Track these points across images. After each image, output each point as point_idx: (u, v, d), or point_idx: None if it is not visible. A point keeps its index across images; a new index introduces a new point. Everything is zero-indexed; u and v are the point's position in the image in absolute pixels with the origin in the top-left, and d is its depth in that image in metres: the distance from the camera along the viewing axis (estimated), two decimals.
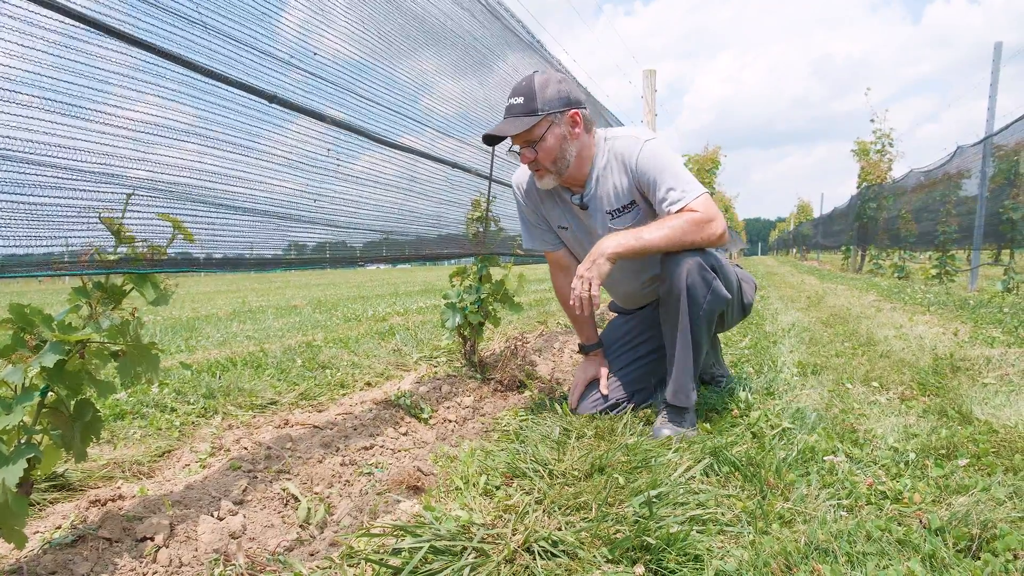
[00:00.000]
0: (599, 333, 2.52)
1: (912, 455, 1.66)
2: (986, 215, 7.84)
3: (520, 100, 2.03)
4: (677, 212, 1.99)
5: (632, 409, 2.28)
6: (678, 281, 1.98)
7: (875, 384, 2.60)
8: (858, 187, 15.11)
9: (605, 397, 2.31)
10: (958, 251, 9.34)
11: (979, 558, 1.13)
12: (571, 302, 2.01)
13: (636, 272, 2.32)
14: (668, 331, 2.07)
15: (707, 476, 1.62)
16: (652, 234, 1.98)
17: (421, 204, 2.60)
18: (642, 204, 2.14)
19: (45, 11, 1.12)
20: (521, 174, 2.35)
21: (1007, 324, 4.16)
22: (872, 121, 14.11)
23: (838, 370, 2.90)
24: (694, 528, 1.29)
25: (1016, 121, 7.18)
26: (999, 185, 7.71)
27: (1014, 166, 7.40)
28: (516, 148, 2.11)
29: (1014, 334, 3.72)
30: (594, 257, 1.99)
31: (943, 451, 1.71)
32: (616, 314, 2.65)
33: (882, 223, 13.22)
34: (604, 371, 2.37)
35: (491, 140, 2.10)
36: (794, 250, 38.87)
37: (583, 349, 2.48)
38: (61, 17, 1.15)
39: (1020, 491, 1.39)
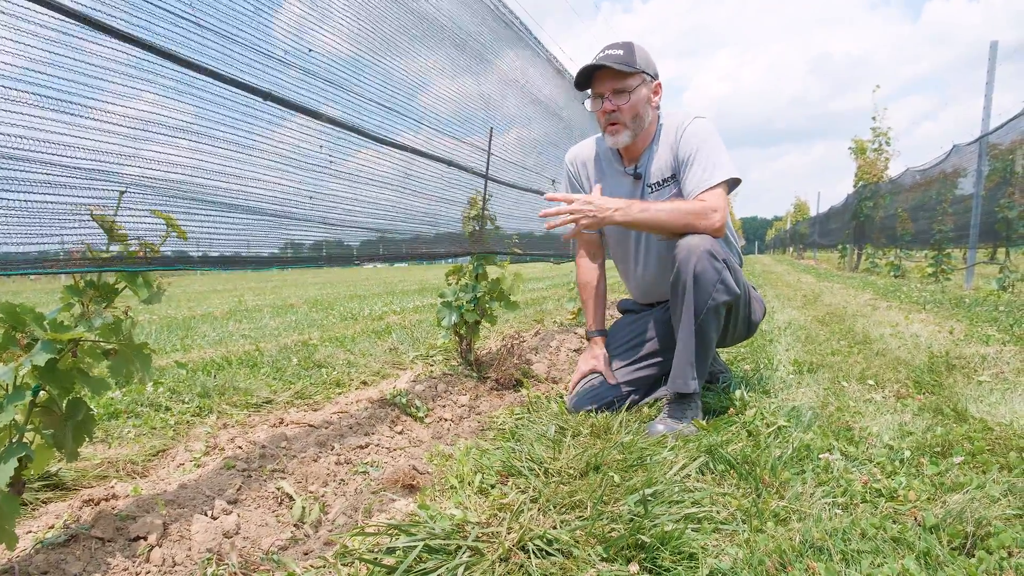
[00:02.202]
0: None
1: (907, 453, 1.66)
2: (982, 214, 7.85)
3: (620, 52, 2.13)
4: (694, 198, 2.09)
5: (629, 407, 2.28)
6: (687, 267, 2.01)
7: (871, 382, 2.60)
8: (855, 186, 15.14)
9: (602, 394, 2.31)
10: (954, 250, 9.36)
11: (973, 556, 1.13)
12: (550, 209, 2.11)
13: (661, 260, 2.33)
14: (675, 318, 2.11)
15: (702, 474, 1.62)
16: (658, 211, 2.07)
17: (417, 203, 2.59)
18: (680, 179, 2.22)
19: (38, 8, 1.11)
20: (575, 149, 2.50)
21: (1002, 322, 4.17)
22: (874, 119, 14.19)
23: (834, 368, 2.91)
24: (689, 526, 1.29)
25: (1011, 120, 7.19)
26: (995, 184, 7.73)
27: (1009, 165, 7.41)
28: (589, 103, 2.22)
29: (1009, 332, 3.72)
30: (602, 206, 2.06)
31: (938, 449, 1.71)
32: (624, 313, 2.66)
33: (879, 222, 13.25)
34: (605, 360, 2.40)
35: (583, 84, 2.20)
36: (791, 249, 38.92)
37: (588, 335, 2.55)
38: (55, 15, 1.14)
39: (1015, 489, 1.39)
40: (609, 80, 2.13)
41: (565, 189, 2.54)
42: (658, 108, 2.26)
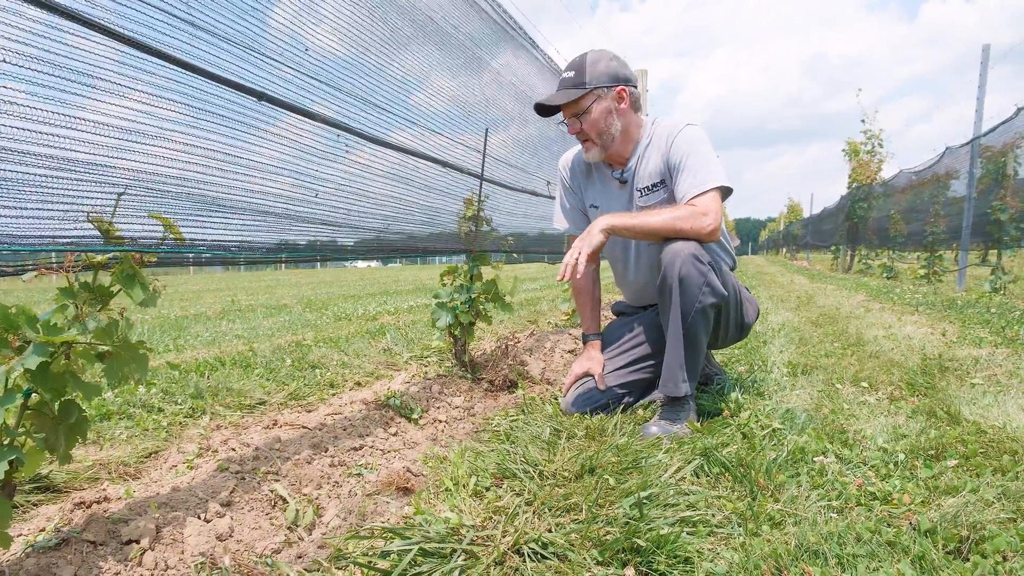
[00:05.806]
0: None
1: (901, 456, 1.67)
2: (974, 216, 7.90)
3: (571, 74, 2.15)
4: (686, 202, 2.09)
5: (623, 410, 2.28)
6: (672, 270, 2.01)
7: (864, 384, 2.61)
8: (848, 187, 15.20)
9: (596, 397, 2.30)
10: (946, 251, 9.42)
11: (968, 560, 1.14)
12: (560, 270, 2.10)
13: (653, 265, 2.32)
14: (664, 322, 2.11)
15: (697, 477, 1.62)
16: (649, 216, 2.08)
17: (414, 201, 2.59)
18: (670, 184, 2.21)
19: (29, 7, 1.10)
20: (567, 155, 2.49)
21: (994, 324, 4.20)
22: (863, 122, 14.22)
23: (828, 370, 2.91)
24: (684, 530, 1.29)
25: (1003, 123, 7.24)
26: (987, 186, 7.78)
27: (1001, 167, 7.46)
28: (566, 121, 2.22)
29: (1001, 334, 3.74)
30: (589, 229, 2.09)
31: (932, 452, 1.71)
32: (617, 316, 2.66)
33: (872, 223, 13.30)
34: (600, 364, 2.39)
35: (542, 110, 2.22)
36: (784, 250, 39.05)
37: (584, 338, 2.55)
38: (48, 14, 1.13)
39: (1009, 492, 1.40)
40: (565, 106, 2.16)
41: (559, 194, 2.55)
42: (635, 111, 2.23)
